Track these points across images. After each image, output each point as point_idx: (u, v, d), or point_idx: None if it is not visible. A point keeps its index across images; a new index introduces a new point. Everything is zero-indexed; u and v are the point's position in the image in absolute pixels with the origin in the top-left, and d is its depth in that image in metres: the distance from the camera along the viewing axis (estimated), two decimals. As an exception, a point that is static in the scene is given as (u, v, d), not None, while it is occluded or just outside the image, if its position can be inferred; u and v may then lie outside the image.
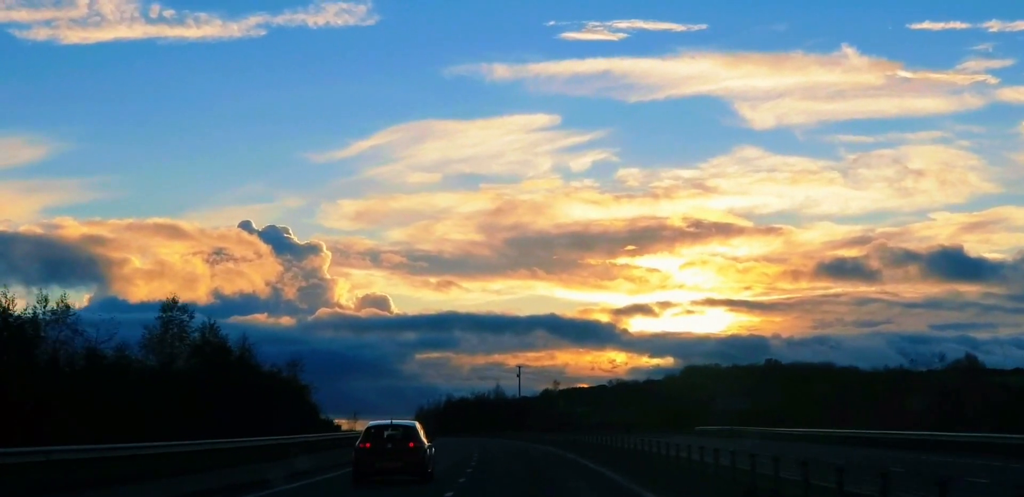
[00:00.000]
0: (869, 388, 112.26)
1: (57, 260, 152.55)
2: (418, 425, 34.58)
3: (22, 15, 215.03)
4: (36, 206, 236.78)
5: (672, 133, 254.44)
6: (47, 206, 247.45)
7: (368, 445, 32.50)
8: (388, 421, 34.57)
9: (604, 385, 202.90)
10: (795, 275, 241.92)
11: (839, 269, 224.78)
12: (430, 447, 33.97)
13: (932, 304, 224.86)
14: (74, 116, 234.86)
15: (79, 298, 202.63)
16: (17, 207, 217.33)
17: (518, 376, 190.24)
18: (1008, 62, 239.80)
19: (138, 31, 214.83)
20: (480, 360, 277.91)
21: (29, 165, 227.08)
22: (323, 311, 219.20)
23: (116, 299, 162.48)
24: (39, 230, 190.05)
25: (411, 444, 32.54)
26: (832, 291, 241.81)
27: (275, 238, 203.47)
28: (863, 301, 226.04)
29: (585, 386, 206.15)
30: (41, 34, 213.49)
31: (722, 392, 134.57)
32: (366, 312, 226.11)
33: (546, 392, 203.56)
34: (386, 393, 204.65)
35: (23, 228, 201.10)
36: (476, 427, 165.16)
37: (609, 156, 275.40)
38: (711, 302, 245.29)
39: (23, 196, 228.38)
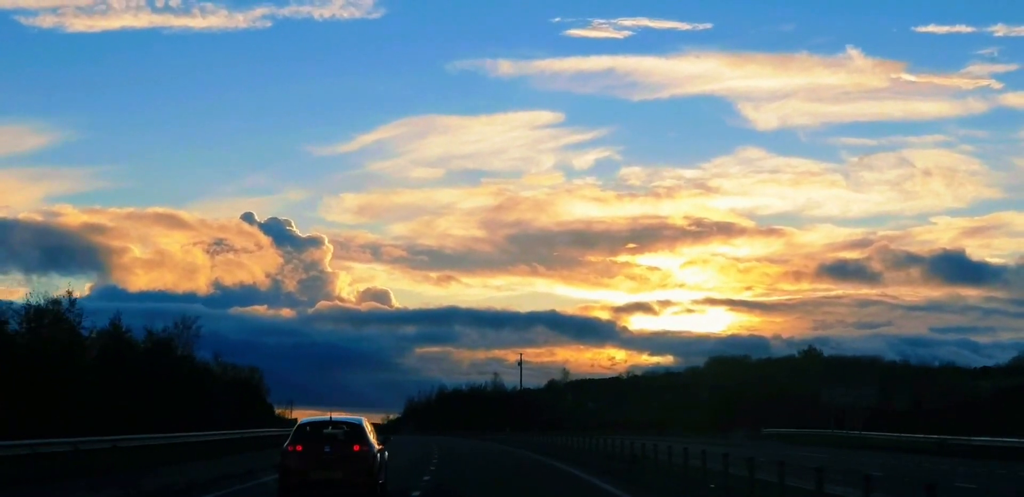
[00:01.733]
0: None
1: (56, 248, 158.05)
2: (366, 422, 27.28)
3: (28, 2, 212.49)
4: (39, 194, 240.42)
5: (675, 132, 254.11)
6: (50, 194, 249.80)
7: (299, 448, 25.61)
8: (327, 417, 27.08)
9: (618, 377, 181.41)
10: (796, 276, 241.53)
11: (840, 271, 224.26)
12: (382, 451, 26.89)
13: (933, 307, 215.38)
14: (79, 105, 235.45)
15: (80, 286, 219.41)
16: (20, 195, 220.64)
17: (519, 365, 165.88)
18: (1012, 67, 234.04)
19: (144, 20, 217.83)
20: (480, 355, 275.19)
21: (33, 153, 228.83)
22: (323, 304, 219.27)
23: (116, 288, 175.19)
24: (38, 217, 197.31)
25: (356, 447, 25.71)
26: (833, 293, 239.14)
27: (277, 230, 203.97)
28: (864, 303, 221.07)
29: (596, 378, 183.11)
30: (47, 21, 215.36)
31: (827, 382, 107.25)
32: (366, 306, 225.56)
33: (552, 384, 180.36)
34: (384, 386, 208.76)
35: (22, 215, 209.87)
36: (471, 423, 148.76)
37: (612, 154, 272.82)
38: (711, 301, 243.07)
39: (27, 184, 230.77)
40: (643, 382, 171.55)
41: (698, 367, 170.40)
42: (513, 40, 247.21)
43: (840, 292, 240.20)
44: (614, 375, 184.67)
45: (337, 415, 27.16)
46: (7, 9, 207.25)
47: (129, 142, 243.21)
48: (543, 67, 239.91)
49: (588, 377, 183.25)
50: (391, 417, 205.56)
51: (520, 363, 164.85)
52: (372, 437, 26.59)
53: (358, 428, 26.43)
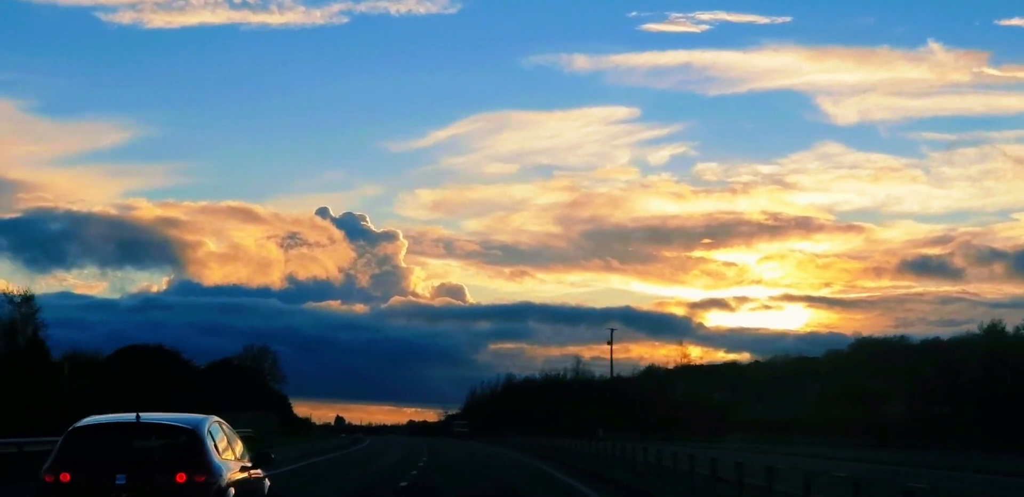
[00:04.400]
0: None
1: (131, 242, 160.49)
2: (215, 426, 14.44)
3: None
4: (117, 189, 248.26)
5: (752, 127, 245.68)
6: (128, 190, 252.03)
7: (66, 477, 13.17)
8: (132, 415, 14.06)
9: (735, 362, 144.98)
10: (876, 272, 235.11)
11: (921, 267, 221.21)
12: (251, 482, 15.00)
13: (1017, 304, 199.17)
14: (157, 101, 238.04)
15: (156, 280, 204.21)
16: (97, 190, 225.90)
17: (609, 344, 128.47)
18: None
19: (222, 16, 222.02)
20: (555, 351, 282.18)
21: (112, 149, 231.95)
22: (397, 299, 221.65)
23: (190, 282, 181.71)
24: (113, 211, 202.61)
25: (182, 476, 13.27)
26: (914, 290, 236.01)
27: (352, 226, 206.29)
28: (946, 300, 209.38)
29: (704, 363, 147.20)
30: (126, 17, 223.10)
31: None
32: (440, 301, 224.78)
33: (651, 371, 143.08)
34: (458, 382, 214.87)
35: (97, 209, 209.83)
36: (548, 421, 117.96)
37: (688, 150, 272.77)
38: (789, 298, 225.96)
39: (105, 179, 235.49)
40: (768, 370, 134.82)
41: (841, 350, 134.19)
42: (589, 35, 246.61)
43: (921, 289, 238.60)
44: (730, 359, 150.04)
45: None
46: (87, 6, 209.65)
47: (206, 138, 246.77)
48: (619, 62, 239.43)
49: (698, 363, 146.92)
50: (449, 413, 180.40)
51: (610, 341, 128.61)
52: (224, 455, 14.03)
53: (192, 437, 13.67)
